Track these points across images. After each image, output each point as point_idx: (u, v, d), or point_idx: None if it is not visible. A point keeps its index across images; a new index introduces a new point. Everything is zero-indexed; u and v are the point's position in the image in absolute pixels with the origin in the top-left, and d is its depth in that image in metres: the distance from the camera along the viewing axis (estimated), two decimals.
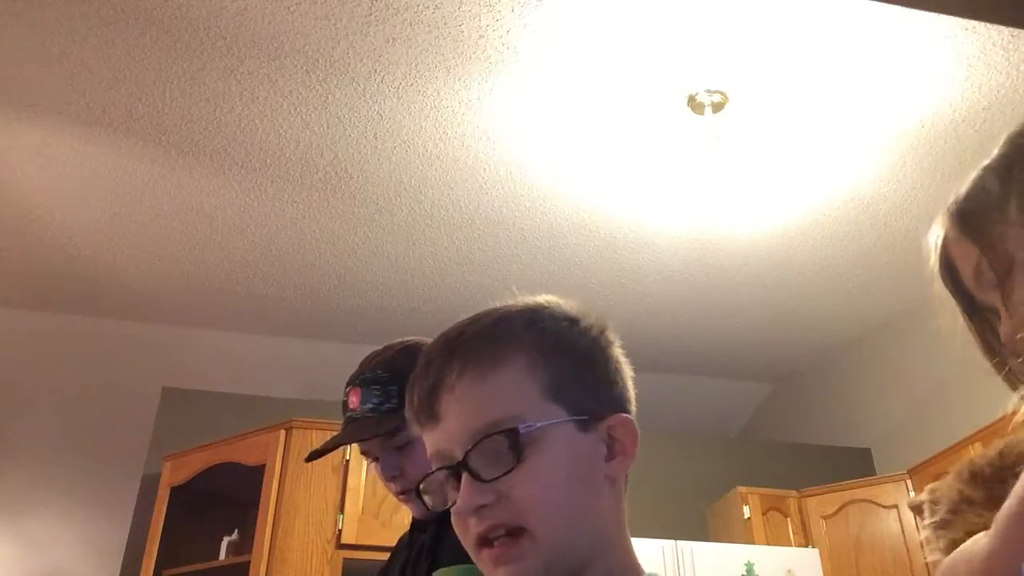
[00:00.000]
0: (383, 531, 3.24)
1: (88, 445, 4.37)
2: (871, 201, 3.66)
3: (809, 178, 3.52)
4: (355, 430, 1.36)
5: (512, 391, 0.72)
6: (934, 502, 0.59)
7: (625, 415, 0.75)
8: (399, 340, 1.43)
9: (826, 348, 4.95)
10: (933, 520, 0.59)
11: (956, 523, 0.56)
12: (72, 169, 3.50)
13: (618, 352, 0.80)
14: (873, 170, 3.47)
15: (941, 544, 0.59)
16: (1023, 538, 0.51)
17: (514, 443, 0.69)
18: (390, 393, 1.34)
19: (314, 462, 3.67)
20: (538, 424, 0.70)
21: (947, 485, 0.59)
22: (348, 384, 1.40)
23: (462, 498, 0.69)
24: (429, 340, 1.36)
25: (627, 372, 0.80)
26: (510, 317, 0.78)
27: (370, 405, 1.35)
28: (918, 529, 3.82)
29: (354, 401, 1.37)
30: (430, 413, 0.73)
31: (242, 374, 4.59)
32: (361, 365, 1.42)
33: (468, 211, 3.78)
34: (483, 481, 0.69)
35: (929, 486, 0.61)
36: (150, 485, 3.84)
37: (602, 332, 0.80)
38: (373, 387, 1.36)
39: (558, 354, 0.75)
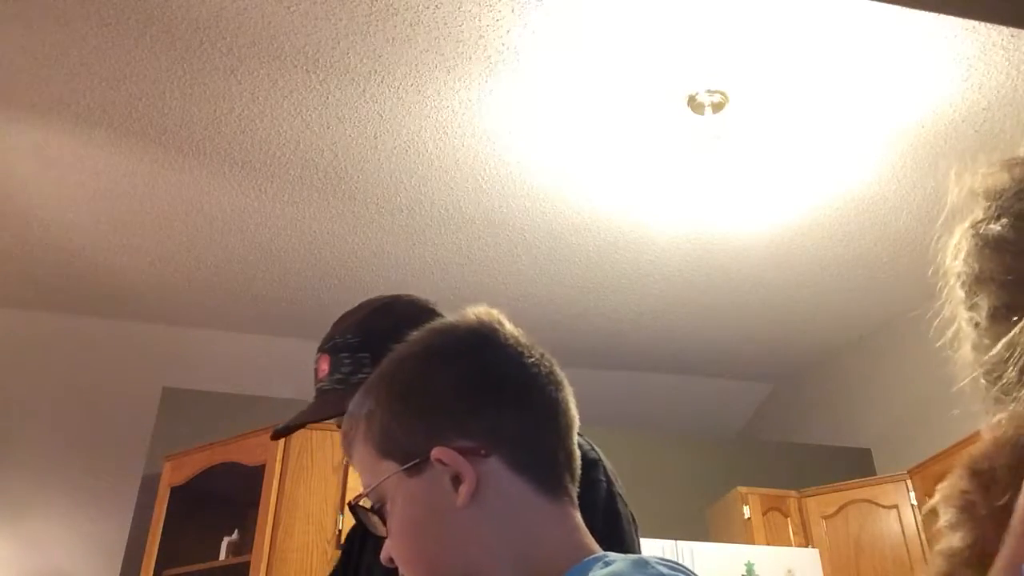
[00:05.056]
0: None
1: (88, 445, 4.37)
2: (871, 201, 3.66)
3: (809, 178, 3.52)
4: (321, 404, 1.19)
5: (361, 462, 0.78)
6: (944, 500, 0.58)
7: (441, 448, 0.73)
8: (377, 296, 1.28)
9: (826, 348, 4.95)
10: (945, 522, 0.57)
11: (965, 524, 0.55)
12: (72, 169, 3.50)
13: (479, 360, 0.78)
14: (873, 170, 3.47)
15: (945, 546, 0.57)
16: None
17: (375, 506, 0.76)
18: (361, 361, 1.17)
19: (314, 461, 3.67)
20: (368, 489, 0.76)
21: (950, 484, 0.58)
22: (318, 349, 1.23)
23: (382, 550, 0.77)
24: (406, 296, 1.28)
25: (497, 374, 0.77)
26: (362, 388, 0.81)
27: (338, 375, 1.19)
28: (919, 531, 3.83)
29: (323, 369, 1.22)
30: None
31: (242, 374, 4.59)
32: (332, 327, 1.26)
33: (468, 211, 3.78)
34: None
35: (939, 486, 0.60)
36: (150, 485, 3.84)
37: (437, 356, 0.78)
38: (342, 354, 1.19)
39: (388, 405, 0.77)
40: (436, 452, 0.73)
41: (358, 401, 0.79)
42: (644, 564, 0.65)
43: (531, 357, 0.79)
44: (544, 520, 0.74)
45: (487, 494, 0.72)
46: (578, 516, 0.76)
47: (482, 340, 0.79)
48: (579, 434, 1.23)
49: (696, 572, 0.70)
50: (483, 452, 0.73)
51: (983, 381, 0.56)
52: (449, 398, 0.76)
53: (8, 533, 4.20)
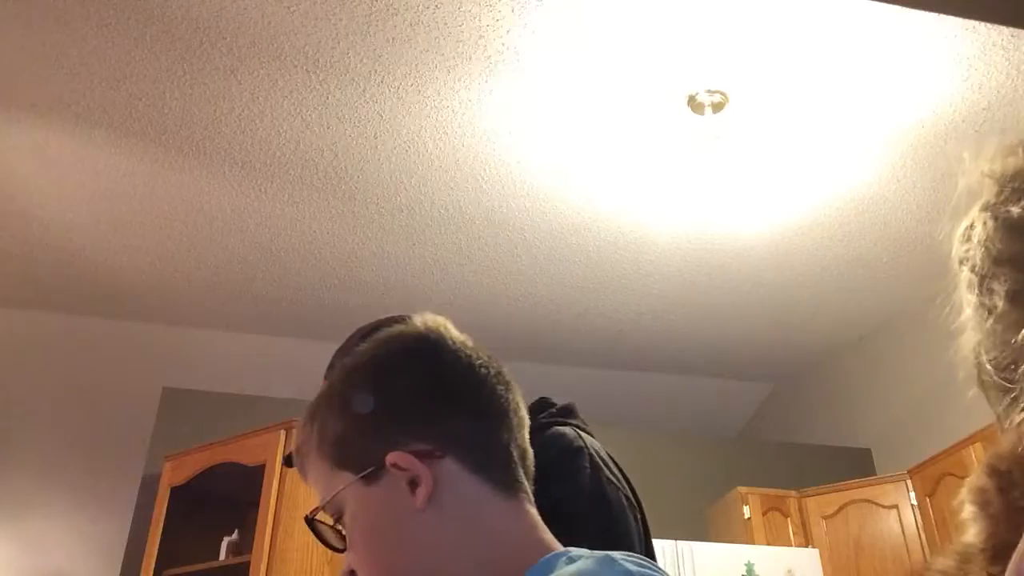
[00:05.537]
0: None
1: (88, 445, 4.37)
2: (871, 201, 3.66)
3: (809, 178, 3.52)
4: None
5: (316, 475, 0.79)
6: (966, 494, 0.58)
7: (396, 453, 0.73)
8: (372, 321, 1.33)
9: (826, 348, 4.95)
10: (965, 515, 0.57)
11: (980, 521, 0.55)
12: (72, 169, 3.50)
13: (424, 365, 0.79)
14: (873, 170, 3.47)
15: (963, 540, 0.57)
16: None
17: (332, 518, 0.77)
18: None
19: None
20: (327, 499, 0.76)
21: (973, 479, 0.58)
22: (324, 377, 1.29)
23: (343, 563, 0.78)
24: (407, 316, 1.30)
25: (444, 378, 0.78)
26: (313, 403, 0.82)
27: None
28: (919, 531, 3.83)
29: None
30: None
31: (242, 374, 4.59)
32: (333, 356, 1.33)
33: (468, 211, 3.78)
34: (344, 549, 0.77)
35: (968, 478, 0.60)
36: (150, 485, 3.83)
37: (385, 364, 0.80)
38: None
39: (339, 417, 0.78)
40: (391, 457, 0.73)
41: (309, 415, 0.80)
42: (610, 561, 0.64)
43: (479, 359, 0.79)
44: (503, 519, 0.74)
45: (444, 496, 0.73)
46: (535, 513, 0.77)
47: (429, 345, 0.80)
48: (569, 423, 1.25)
49: (667, 571, 0.69)
50: (438, 454, 0.74)
51: (989, 367, 0.55)
52: (400, 404, 0.77)
53: (8, 533, 4.20)
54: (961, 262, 0.59)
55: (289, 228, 3.89)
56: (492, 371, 0.79)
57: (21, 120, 3.23)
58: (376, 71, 3.02)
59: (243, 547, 3.54)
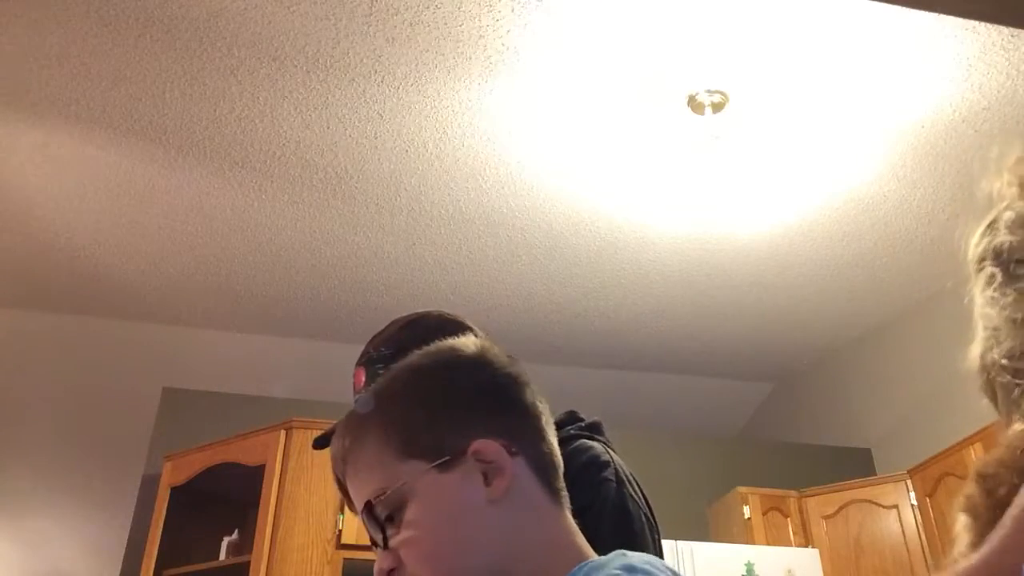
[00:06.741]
0: None
1: (88, 445, 4.37)
2: (871, 201, 3.66)
3: (809, 178, 3.52)
4: None
5: (374, 464, 0.78)
6: (958, 506, 0.58)
7: (483, 440, 0.76)
8: (404, 315, 1.38)
9: (826, 348, 4.95)
10: (958, 526, 0.58)
11: (971, 527, 0.55)
12: (72, 169, 3.50)
13: (488, 371, 0.82)
14: (873, 170, 3.47)
15: (956, 550, 0.57)
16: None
17: (384, 512, 0.76)
18: None
19: (314, 462, 3.66)
20: (391, 489, 0.75)
21: (963, 489, 0.58)
22: (356, 364, 1.35)
23: (376, 563, 0.76)
24: (435, 311, 1.36)
25: (506, 385, 0.82)
26: (375, 389, 0.83)
27: None
28: (919, 531, 3.83)
29: (359, 381, 1.31)
30: (342, 481, 0.82)
31: (242, 374, 4.59)
32: (367, 344, 1.36)
33: (468, 211, 3.78)
34: (385, 547, 0.75)
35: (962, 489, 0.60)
36: (150, 485, 3.84)
37: (453, 365, 0.83)
38: (377, 366, 1.29)
39: (408, 409, 0.79)
40: (478, 444, 0.75)
41: (369, 410, 0.81)
42: (631, 569, 0.66)
43: (518, 372, 0.83)
44: (551, 522, 0.77)
45: (513, 491, 0.75)
46: (572, 520, 0.80)
47: (484, 357, 0.83)
48: (596, 439, 1.29)
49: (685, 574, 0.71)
50: (514, 450, 0.77)
51: (1004, 360, 0.55)
52: (472, 400, 0.79)
53: (8, 533, 4.20)
54: (982, 259, 0.58)
55: (289, 228, 3.89)
56: (530, 384, 0.83)
57: (21, 120, 3.23)
58: (376, 71, 3.02)
59: (243, 547, 3.55)
